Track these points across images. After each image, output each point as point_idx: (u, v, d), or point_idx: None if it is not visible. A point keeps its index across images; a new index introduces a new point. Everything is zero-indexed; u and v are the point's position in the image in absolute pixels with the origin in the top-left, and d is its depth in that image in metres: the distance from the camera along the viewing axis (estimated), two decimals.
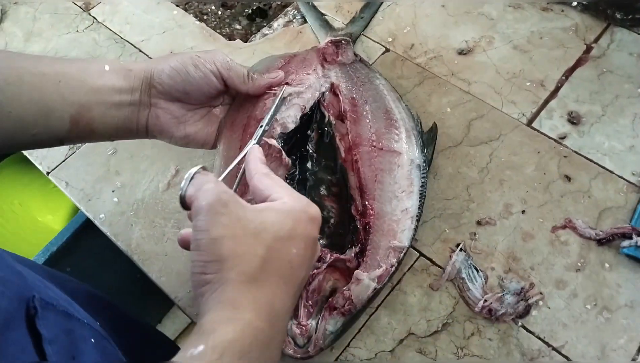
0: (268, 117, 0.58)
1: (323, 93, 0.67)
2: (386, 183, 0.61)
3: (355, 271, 0.56)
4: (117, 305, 0.66)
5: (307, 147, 0.64)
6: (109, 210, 0.69)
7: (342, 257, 0.57)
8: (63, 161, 0.74)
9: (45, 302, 0.42)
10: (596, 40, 0.78)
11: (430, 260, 0.62)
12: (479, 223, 0.64)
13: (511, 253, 0.62)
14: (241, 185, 0.52)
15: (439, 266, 0.61)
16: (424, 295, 0.60)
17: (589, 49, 0.77)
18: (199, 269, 0.39)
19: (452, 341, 0.57)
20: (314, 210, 0.44)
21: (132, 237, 0.66)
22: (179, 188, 0.42)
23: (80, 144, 0.74)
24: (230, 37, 0.86)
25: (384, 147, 0.63)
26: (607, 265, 0.60)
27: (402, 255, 0.58)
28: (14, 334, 0.38)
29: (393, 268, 0.58)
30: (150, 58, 0.83)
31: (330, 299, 0.56)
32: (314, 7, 0.85)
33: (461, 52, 0.78)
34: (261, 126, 0.56)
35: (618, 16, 0.77)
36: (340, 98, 0.66)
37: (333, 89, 0.67)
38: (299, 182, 0.62)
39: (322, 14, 0.84)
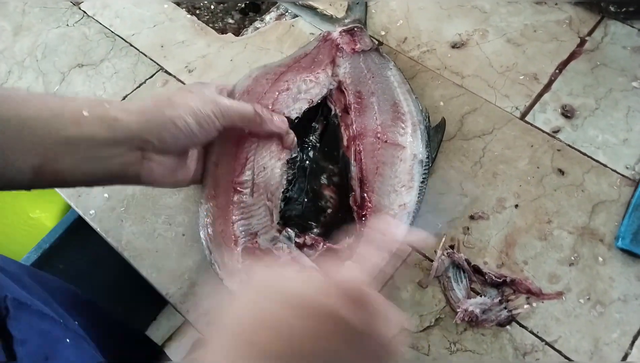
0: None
1: (331, 90, 0.67)
2: (387, 176, 0.61)
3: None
4: (100, 306, 0.65)
5: (311, 137, 0.64)
6: (99, 206, 0.68)
7: (335, 246, 0.57)
8: None
9: (19, 302, 0.42)
10: (590, 33, 0.77)
11: (423, 254, 0.62)
12: (472, 217, 0.63)
13: (504, 247, 0.61)
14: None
15: (431, 261, 0.61)
16: (416, 290, 0.60)
17: (582, 42, 0.76)
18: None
19: (444, 336, 0.57)
20: (367, 291, 0.35)
21: (122, 233, 0.66)
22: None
23: None
24: (222, 32, 0.85)
25: (389, 139, 0.63)
26: (600, 259, 0.60)
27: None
28: None
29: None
30: (142, 52, 0.82)
31: None
32: (305, 5, 0.84)
33: (454, 46, 0.78)
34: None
35: (612, 9, 0.77)
36: (346, 93, 0.66)
37: (339, 86, 0.67)
38: (300, 169, 0.62)
39: (316, 8, 0.83)
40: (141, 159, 0.50)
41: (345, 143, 0.63)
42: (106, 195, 0.69)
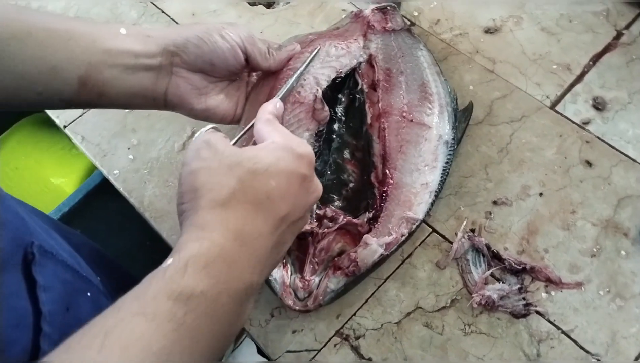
0: (296, 75, 0.58)
1: (360, 63, 0.66)
2: (410, 154, 0.60)
3: (365, 235, 0.56)
4: (121, 265, 0.66)
5: (337, 109, 0.64)
6: (123, 166, 0.69)
7: (354, 220, 0.57)
8: (80, 116, 0.73)
9: (45, 249, 0.42)
10: (627, 26, 0.76)
11: (443, 236, 0.61)
12: (494, 203, 0.63)
13: (525, 234, 0.61)
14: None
15: (451, 243, 0.60)
16: (433, 270, 0.59)
17: (619, 35, 0.75)
18: (178, 200, 0.42)
19: (459, 317, 0.57)
20: (304, 148, 0.44)
21: (144, 194, 0.66)
22: None
23: None
24: (253, 4, 0.85)
25: (414, 119, 0.62)
26: (623, 253, 0.59)
27: (414, 226, 0.58)
28: (8, 276, 0.38)
29: (403, 238, 0.57)
30: (172, 19, 0.82)
31: (335, 259, 0.56)
32: None
33: (488, 31, 0.77)
34: (286, 85, 0.56)
35: None
36: (376, 68, 0.65)
37: (370, 60, 0.66)
38: (325, 141, 0.62)
39: None
40: (170, 72, 0.54)
41: (369, 120, 0.63)
42: (131, 156, 0.69)
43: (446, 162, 0.61)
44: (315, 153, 0.60)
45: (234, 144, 0.47)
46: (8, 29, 0.48)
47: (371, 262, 0.55)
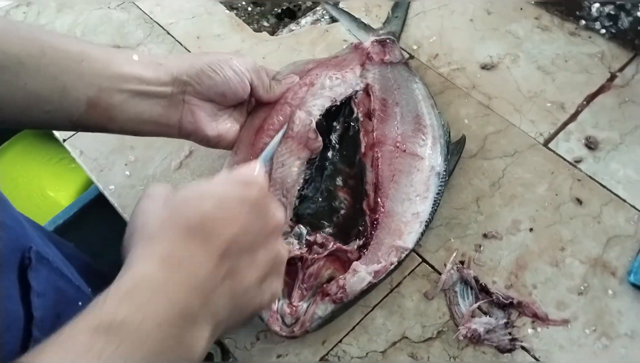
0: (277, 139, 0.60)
1: (356, 91, 0.67)
2: (402, 184, 0.61)
3: (354, 262, 0.56)
4: (113, 278, 0.66)
5: (331, 137, 0.65)
6: (119, 182, 0.69)
7: (344, 247, 0.58)
8: None
9: (41, 255, 0.42)
10: (621, 69, 0.77)
11: (432, 266, 0.62)
12: (485, 236, 0.63)
13: (514, 269, 0.61)
14: None
15: (440, 273, 0.61)
16: (421, 301, 0.59)
17: (613, 77, 0.77)
18: (120, 250, 0.41)
19: (445, 349, 0.56)
20: (252, 176, 0.41)
21: None
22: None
23: None
24: (257, 30, 0.87)
25: (407, 149, 0.63)
26: (610, 292, 0.59)
27: (403, 255, 0.58)
28: (3, 279, 0.38)
29: (392, 267, 0.57)
30: (178, 41, 0.84)
31: (324, 285, 0.56)
32: (345, 11, 0.85)
33: (485, 67, 0.78)
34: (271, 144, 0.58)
35: None
36: (372, 98, 0.67)
37: (367, 89, 0.68)
38: (317, 168, 0.62)
39: (355, 17, 0.84)
40: (182, 101, 0.55)
41: (363, 149, 0.64)
42: (127, 172, 0.70)
43: (437, 193, 0.62)
44: (307, 180, 0.61)
45: None
46: (24, 48, 0.49)
47: (359, 290, 0.55)
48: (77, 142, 0.74)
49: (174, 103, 0.55)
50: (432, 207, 0.61)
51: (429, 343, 0.57)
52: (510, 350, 0.56)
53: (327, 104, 0.64)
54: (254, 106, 0.64)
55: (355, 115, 0.66)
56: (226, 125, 0.60)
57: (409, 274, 0.61)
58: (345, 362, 0.56)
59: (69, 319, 0.44)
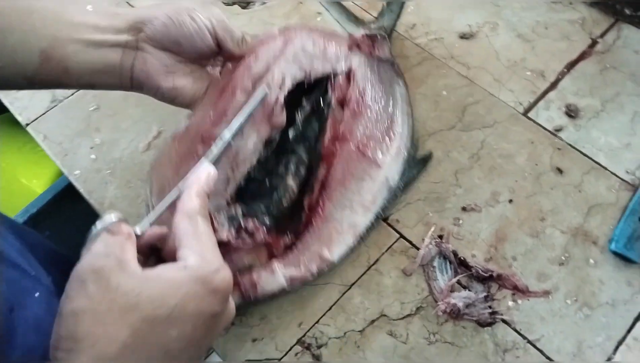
0: (236, 126, 0.52)
1: (336, 73, 0.61)
2: (350, 189, 0.57)
3: (274, 260, 0.53)
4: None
5: (295, 116, 0.59)
6: (85, 166, 0.67)
7: (272, 242, 0.54)
8: (43, 114, 0.71)
9: None
10: (602, 35, 0.75)
11: (410, 242, 0.60)
12: (464, 209, 0.62)
13: (494, 241, 0.60)
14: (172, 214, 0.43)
15: (418, 249, 0.59)
16: (399, 277, 0.58)
17: (594, 43, 0.75)
18: (52, 340, 0.34)
19: (424, 326, 0.55)
20: (221, 278, 0.37)
21: (106, 196, 0.64)
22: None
23: (62, 97, 0.72)
24: (228, 4, 0.84)
25: (367, 153, 0.59)
26: (592, 261, 0.58)
27: (325, 268, 0.55)
28: None
29: (311, 278, 0.54)
30: None
31: (238, 272, 0.52)
32: (337, 2, 0.81)
33: (463, 36, 0.76)
34: (220, 139, 0.50)
35: (627, 12, 0.75)
36: (352, 85, 0.61)
37: (349, 74, 0.62)
38: (273, 151, 0.57)
39: (345, 7, 0.80)
40: (136, 47, 0.52)
41: (326, 141, 0.59)
42: (93, 156, 0.67)
43: (382, 208, 0.58)
44: (259, 161, 0.56)
45: (151, 225, 0.41)
46: None
47: (270, 293, 0.52)
48: (40, 126, 0.71)
49: (128, 50, 0.52)
50: (371, 221, 0.57)
51: (408, 320, 0.56)
52: (490, 324, 0.55)
53: (300, 76, 0.58)
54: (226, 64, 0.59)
55: (328, 99, 0.60)
56: (185, 80, 0.55)
57: (386, 251, 0.60)
58: (322, 343, 0.55)
59: (25, 312, 0.42)
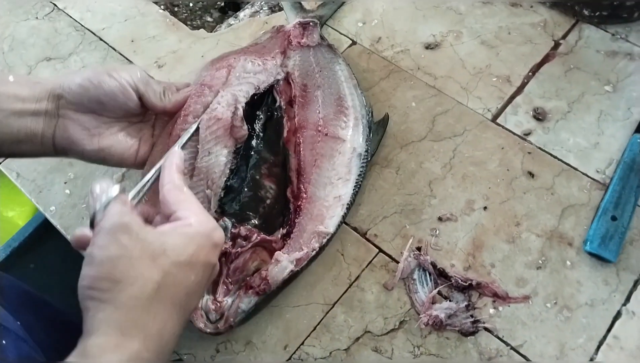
0: (193, 128, 0.57)
1: (278, 80, 0.66)
2: (324, 168, 0.61)
3: (276, 252, 0.55)
4: (52, 305, 0.63)
5: (255, 126, 0.63)
6: (60, 202, 0.66)
7: (268, 237, 0.57)
8: None
9: None
10: (564, 36, 0.77)
11: (390, 256, 0.60)
12: (440, 219, 0.62)
13: (471, 250, 0.60)
14: (154, 194, 0.49)
15: (398, 262, 0.60)
16: (381, 292, 0.58)
17: (556, 45, 0.76)
18: (87, 282, 0.39)
19: (408, 339, 0.56)
20: (219, 235, 0.44)
21: None
22: (90, 206, 0.43)
23: None
24: (199, 29, 0.84)
25: (329, 133, 0.63)
26: (568, 263, 0.59)
27: (324, 240, 0.58)
28: None
29: (314, 253, 0.57)
30: (111, 47, 0.80)
31: (248, 278, 0.55)
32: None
33: (428, 47, 0.77)
34: (187, 131, 0.56)
35: (586, 13, 0.77)
36: (292, 85, 0.66)
37: (287, 77, 0.67)
38: (242, 157, 0.60)
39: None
40: (56, 115, 0.53)
41: (285, 135, 0.63)
42: (67, 191, 0.67)
43: (359, 175, 0.62)
44: (232, 170, 0.59)
45: (134, 198, 0.46)
46: None
47: (281, 279, 0.55)
48: (12, 164, 0.70)
49: (49, 118, 0.53)
50: (354, 189, 0.61)
51: (392, 335, 0.56)
52: (473, 333, 0.55)
53: (252, 91, 0.62)
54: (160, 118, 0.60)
55: (278, 103, 0.65)
56: (112, 139, 0.55)
57: (367, 266, 0.60)
58: None
59: None
